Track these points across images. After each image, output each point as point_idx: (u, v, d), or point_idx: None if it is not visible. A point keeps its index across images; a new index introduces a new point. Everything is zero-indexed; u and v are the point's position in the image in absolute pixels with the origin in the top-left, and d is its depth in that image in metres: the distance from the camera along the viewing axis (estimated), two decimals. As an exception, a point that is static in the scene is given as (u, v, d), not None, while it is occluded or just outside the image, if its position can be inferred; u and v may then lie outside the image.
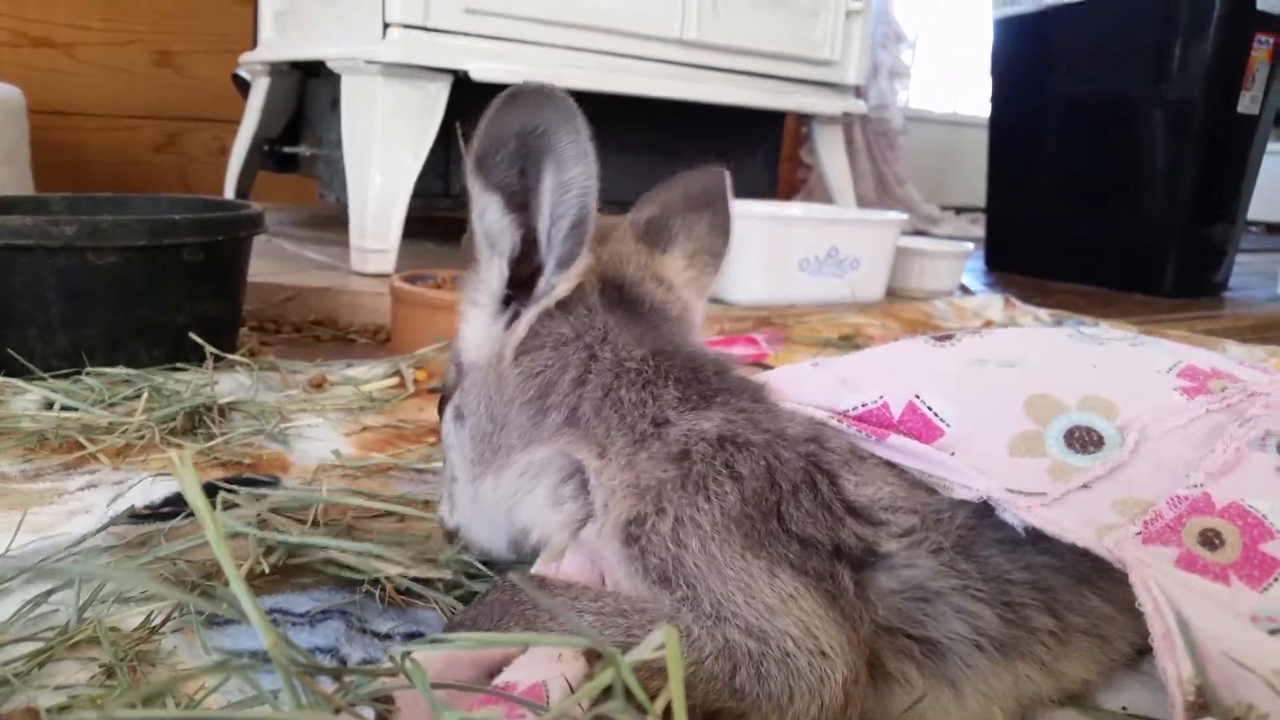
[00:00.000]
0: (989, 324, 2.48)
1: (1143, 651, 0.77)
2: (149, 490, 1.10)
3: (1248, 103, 3.23)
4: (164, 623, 0.81)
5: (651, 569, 0.69)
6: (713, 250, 0.94)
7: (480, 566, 0.90)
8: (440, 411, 0.88)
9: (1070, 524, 0.67)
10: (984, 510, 0.71)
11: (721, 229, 0.95)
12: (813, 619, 0.65)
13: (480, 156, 0.72)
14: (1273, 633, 0.59)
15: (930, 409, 0.77)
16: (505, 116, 0.70)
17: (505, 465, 0.80)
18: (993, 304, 2.62)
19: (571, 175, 0.71)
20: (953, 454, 0.73)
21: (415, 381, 1.55)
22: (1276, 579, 0.63)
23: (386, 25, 2.24)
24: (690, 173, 0.96)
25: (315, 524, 0.98)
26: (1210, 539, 0.66)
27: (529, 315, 0.78)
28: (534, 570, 0.79)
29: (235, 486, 1.07)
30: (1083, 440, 0.73)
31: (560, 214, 0.73)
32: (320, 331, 1.97)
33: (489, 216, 0.74)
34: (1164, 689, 0.58)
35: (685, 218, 0.93)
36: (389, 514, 1.05)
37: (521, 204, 0.74)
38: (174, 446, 1.22)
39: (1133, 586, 0.62)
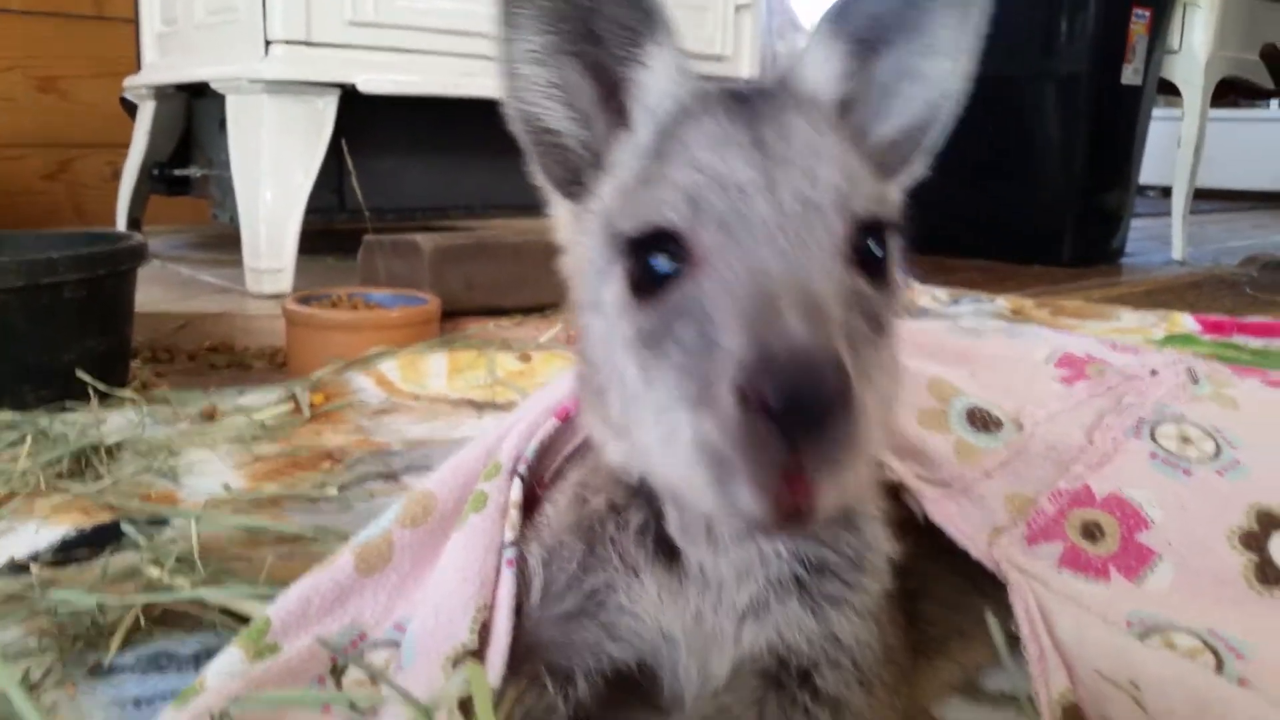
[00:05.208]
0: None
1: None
2: (34, 538, 1.08)
3: (1130, 74, 3.33)
4: (44, 677, 0.80)
5: None
6: None
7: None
8: None
9: (969, 526, 0.69)
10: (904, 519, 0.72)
11: None
12: None
13: None
14: (1143, 636, 0.61)
15: None
16: None
17: None
18: (893, 287, 2.66)
19: None
20: None
21: (311, 405, 1.52)
22: (1151, 569, 0.65)
23: (269, 43, 2.21)
24: None
25: (198, 565, 0.97)
26: (1091, 530, 0.68)
27: None
28: None
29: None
30: (984, 420, 0.75)
31: None
32: (216, 358, 1.92)
33: None
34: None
35: None
36: (278, 544, 1.05)
37: None
38: (60, 491, 1.20)
39: (1011, 604, 0.64)
